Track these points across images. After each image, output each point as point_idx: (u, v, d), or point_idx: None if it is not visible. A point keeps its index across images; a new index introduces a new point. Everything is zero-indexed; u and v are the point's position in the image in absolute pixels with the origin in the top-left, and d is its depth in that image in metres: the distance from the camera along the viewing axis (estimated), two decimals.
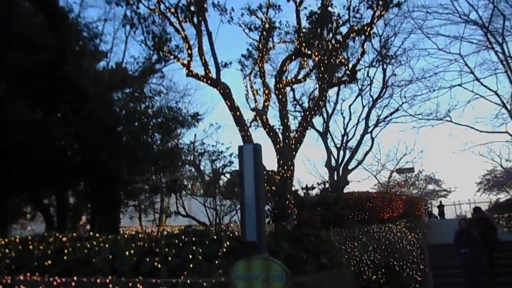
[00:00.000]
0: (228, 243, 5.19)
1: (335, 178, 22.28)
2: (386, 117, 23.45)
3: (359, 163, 22.97)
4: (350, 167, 22.56)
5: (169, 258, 5.08)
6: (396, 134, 74.89)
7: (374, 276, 10.94)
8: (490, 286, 9.78)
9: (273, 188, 7.27)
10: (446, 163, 68.34)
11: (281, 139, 8.27)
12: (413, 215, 17.81)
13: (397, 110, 23.04)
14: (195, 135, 21.83)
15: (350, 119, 23.73)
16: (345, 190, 19.41)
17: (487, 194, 40.06)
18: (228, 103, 9.59)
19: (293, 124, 13.25)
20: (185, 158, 16.49)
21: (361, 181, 33.62)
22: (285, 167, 7.21)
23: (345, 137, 23.32)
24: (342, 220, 6.39)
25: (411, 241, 12.61)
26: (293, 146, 7.33)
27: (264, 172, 7.66)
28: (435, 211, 34.24)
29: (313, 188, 9.09)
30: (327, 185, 14.31)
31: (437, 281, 10.47)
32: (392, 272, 10.76)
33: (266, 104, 11.18)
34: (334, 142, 23.23)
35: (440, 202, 33.81)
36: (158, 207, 21.42)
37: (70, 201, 14.67)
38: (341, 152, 22.95)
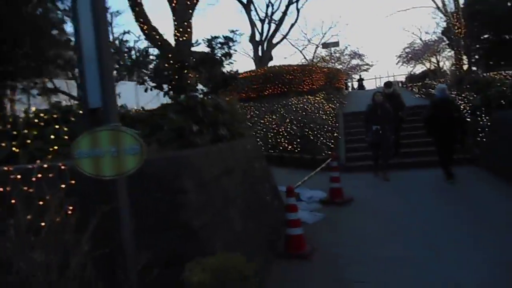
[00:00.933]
0: None
1: (260, 54, 21.46)
2: None
3: (284, 36, 22.13)
4: (274, 41, 21.70)
5: (28, 141, 4.19)
6: (323, 6, 73.16)
7: (290, 146, 11.02)
8: (392, 157, 9.10)
9: (170, 55, 6.23)
10: (370, 37, 69.67)
11: None
12: (333, 87, 17.94)
13: None
14: None
15: None
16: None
17: (406, 67, 42.04)
18: None
19: None
20: None
21: (288, 58, 33.22)
22: (181, 29, 6.11)
23: (271, 9, 21.89)
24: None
25: (327, 111, 12.71)
26: (188, 3, 6.13)
27: (156, 35, 6.50)
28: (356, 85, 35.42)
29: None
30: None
31: (350, 146, 10.79)
32: (306, 141, 10.86)
33: None
34: (258, 15, 21.71)
35: (360, 76, 34.89)
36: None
37: None
38: (266, 26, 21.74)
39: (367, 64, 43.13)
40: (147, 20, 6.45)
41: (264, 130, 12.24)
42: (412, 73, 36.95)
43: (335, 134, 11.18)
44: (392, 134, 8.49)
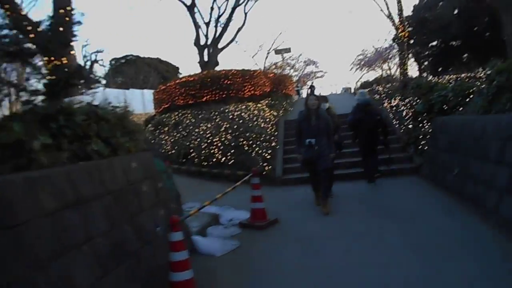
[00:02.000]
0: None
1: (206, 58, 20.37)
2: None
3: (231, 41, 21.11)
4: (221, 46, 20.68)
5: None
6: (274, 12, 73.42)
7: (224, 158, 9.95)
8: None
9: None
10: (324, 45, 70.82)
11: None
12: (281, 93, 17.14)
13: None
14: None
15: None
16: None
17: (360, 73, 42.60)
18: None
19: None
20: None
21: (239, 64, 32.39)
22: (58, 17, 4.92)
23: (217, 12, 20.86)
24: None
25: (268, 118, 11.78)
26: None
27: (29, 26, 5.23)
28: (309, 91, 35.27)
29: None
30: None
31: (288, 157, 9.86)
32: (240, 152, 9.84)
33: None
34: (202, 18, 20.61)
35: (312, 83, 34.75)
36: None
37: None
38: (213, 29, 20.70)
39: (322, 71, 43.41)
40: (15, 7, 5.19)
41: (198, 140, 11.12)
42: (365, 80, 37.26)
43: (274, 144, 10.25)
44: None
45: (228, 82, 13.19)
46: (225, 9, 20.63)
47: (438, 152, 7.33)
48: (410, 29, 30.24)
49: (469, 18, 24.11)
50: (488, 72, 7.19)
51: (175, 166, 11.13)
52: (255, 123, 11.06)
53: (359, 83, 34.13)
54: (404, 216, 5.59)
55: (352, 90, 29.73)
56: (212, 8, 20.29)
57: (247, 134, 10.22)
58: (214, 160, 10.12)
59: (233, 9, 20.17)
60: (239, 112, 11.64)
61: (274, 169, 9.14)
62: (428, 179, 7.56)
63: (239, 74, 13.61)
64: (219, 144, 10.34)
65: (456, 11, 25.75)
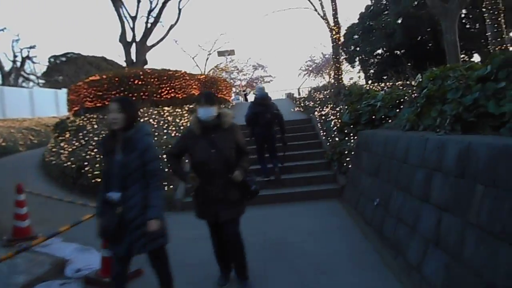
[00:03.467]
0: None
1: (134, 57, 18.40)
2: None
3: (162, 38, 19.26)
4: (150, 43, 18.79)
5: None
6: (215, 12, 71.66)
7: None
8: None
9: None
10: (272, 49, 70.38)
11: None
12: None
13: None
14: None
15: None
16: None
17: (308, 79, 42.29)
18: None
19: None
20: None
21: (179, 65, 30.44)
22: None
23: (146, 6, 18.95)
24: None
25: (182, 126, 10.16)
26: None
27: None
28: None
29: None
30: None
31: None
32: None
33: None
34: (127, 11, 18.58)
35: (245, 89, 33.62)
36: None
37: None
38: (143, 25, 18.75)
39: (270, 76, 42.49)
40: None
41: (95, 150, 9.27)
42: (314, 86, 36.78)
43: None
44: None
45: (139, 83, 11.41)
46: (156, 3, 18.80)
47: (361, 174, 6.07)
48: (356, 36, 30.04)
49: (412, 27, 24.00)
50: (420, 79, 6.06)
51: (70, 181, 9.25)
52: (164, 131, 9.39)
53: (302, 90, 33.49)
54: (308, 268, 4.18)
55: (296, 95, 28.77)
56: (139, 1, 18.35)
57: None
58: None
59: (164, 3, 18.37)
60: (147, 118, 9.92)
61: (175, 190, 7.54)
62: (349, 206, 6.28)
63: (155, 74, 11.85)
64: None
65: (400, 20, 25.58)
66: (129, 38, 17.90)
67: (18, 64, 37.51)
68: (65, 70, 42.42)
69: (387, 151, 4.97)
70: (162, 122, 9.92)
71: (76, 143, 10.31)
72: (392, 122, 6.37)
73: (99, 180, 8.46)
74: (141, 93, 11.25)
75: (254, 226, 5.85)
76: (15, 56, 37.56)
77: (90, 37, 64.00)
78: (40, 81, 41.34)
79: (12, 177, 11.11)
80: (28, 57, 38.09)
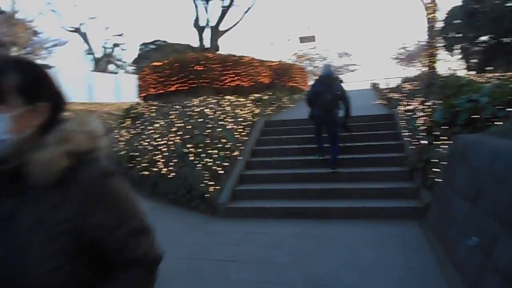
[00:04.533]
0: None
1: (208, 42, 17.87)
2: None
3: (236, 23, 18.43)
4: (222, 29, 18.08)
5: None
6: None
7: (165, 168, 7.44)
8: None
9: None
10: (359, 36, 66.12)
11: None
12: (285, 86, 14.39)
13: None
14: None
15: None
16: None
17: (399, 69, 39.12)
18: None
19: None
20: None
21: (255, 53, 29.63)
22: None
23: None
24: None
25: (243, 117, 9.09)
26: None
27: None
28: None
29: None
30: None
31: (248, 174, 7.23)
32: (184, 162, 7.31)
33: None
34: None
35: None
36: None
37: None
38: (215, 10, 18.10)
39: (355, 64, 39.95)
40: None
41: (148, 140, 8.67)
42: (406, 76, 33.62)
43: (236, 153, 7.60)
44: None
45: (200, 68, 10.58)
46: None
47: (453, 195, 4.42)
48: (457, 21, 26.35)
49: None
50: None
51: (122, 172, 8.80)
52: (219, 123, 8.43)
53: (390, 80, 30.52)
54: None
55: (383, 85, 26.18)
56: None
57: (199, 138, 7.64)
58: (155, 169, 7.63)
59: None
60: (203, 108, 9.05)
61: (220, 192, 6.52)
62: (433, 235, 4.67)
63: (218, 59, 10.95)
64: (164, 149, 7.83)
65: (510, 3, 21.78)
66: (203, 23, 17.40)
67: (108, 51, 39.83)
68: (152, 57, 44.27)
69: (495, 170, 3.33)
70: (218, 112, 8.98)
71: (133, 131, 9.87)
72: (503, 126, 4.59)
73: (146, 173, 7.83)
74: (202, 80, 10.45)
75: (298, 251, 4.59)
76: (105, 43, 39.93)
77: (175, 24, 66.28)
78: (130, 68, 43.63)
79: None
80: (117, 45, 40.27)
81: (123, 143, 9.90)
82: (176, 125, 8.37)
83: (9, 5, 19.94)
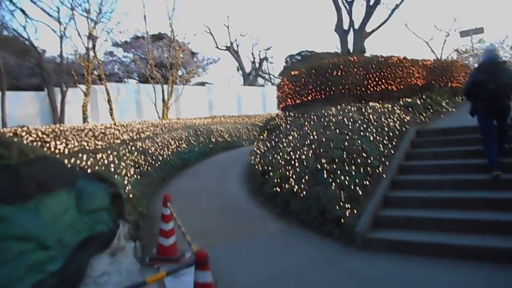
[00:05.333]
0: None
1: (351, 46, 16.72)
2: None
3: (383, 22, 16.72)
4: (368, 30, 16.62)
5: None
6: None
7: (296, 186, 6.74)
8: None
9: None
10: None
11: None
12: (444, 87, 12.25)
13: None
14: None
15: None
16: None
17: None
18: None
19: None
20: None
21: (407, 53, 26.57)
22: None
23: None
24: None
25: (386, 128, 7.71)
26: None
27: None
28: None
29: None
30: None
31: (395, 196, 5.91)
32: (318, 179, 6.44)
33: None
34: None
35: None
36: None
37: None
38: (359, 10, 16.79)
39: None
40: None
41: (281, 154, 8.08)
42: None
43: (379, 170, 6.36)
44: None
45: (339, 74, 9.49)
46: None
47: None
48: None
49: None
50: None
51: (257, 186, 8.49)
52: (362, 134, 7.28)
53: None
54: None
55: None
56: None
57: (335, 152, 6.64)
58: (287, 186, 6.95)
59: None
60: (340, 117, 7.99)
61: (359, 217, 5.40)
62: None
63: (359, 62, 9.69)
64: (296, 164, 7.09)
65: None
66: (345, 26, 16.30)
67: (257, 65, 41.72)
68: (298, 68, 44.79)
69: None
70: (360, 122, 7.81)
71: (268, 144, 9.46)
72: None
73: (279, 189, 7.23)
74: (341, 86, 9.39)
75: None
76: (254, 58, 41.94)
77: (320, 33, 65.91)
78: (277, 80, 45.03)
79: (217, 174, 11.36)
80: (265, 58, 41.89)
81: (258, 156, 9.59)
82: (310, 137, 7.56)
83: (169, 30, 22.37)
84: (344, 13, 16.51)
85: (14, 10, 17.34)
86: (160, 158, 11.15)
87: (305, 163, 6.94)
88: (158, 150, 11.33)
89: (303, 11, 66.91)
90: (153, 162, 10.36)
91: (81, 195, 4.09)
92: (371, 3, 16.05)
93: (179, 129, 14.96)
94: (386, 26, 17.50)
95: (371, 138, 7.19)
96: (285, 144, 8.27)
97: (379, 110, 8.66)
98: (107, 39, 22.78)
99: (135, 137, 10.88)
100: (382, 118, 8.15)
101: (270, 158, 8.44)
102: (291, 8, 63.87)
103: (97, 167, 6.26)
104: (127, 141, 9.86)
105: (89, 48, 18.53)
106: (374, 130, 7.51)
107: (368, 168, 6.36)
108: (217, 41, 35.66)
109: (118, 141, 9.47)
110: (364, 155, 6.62)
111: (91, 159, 6.69)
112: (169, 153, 12.07)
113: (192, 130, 15.63)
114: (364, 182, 6.09)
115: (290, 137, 8.32)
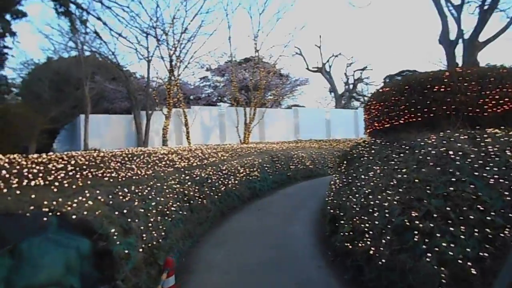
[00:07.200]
0: None
1: (460, 59, 13.86)
2: None
3: (503, 29, 13.49)
4: (482, 39, 13.56)
5: None
6: None
7: (373, 248, 4.79)
8: None
9: None
10: None
11: None
12: None
13: None
14: None
15: None
16: None
17: None
18: None
19: None
20: None
21: None
22: None
23: None
24: None
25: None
26: None
27: None
28: None
29: None
30: None
31: None
32: (402, 240, 4.40)
33: None
34: (450, 1, 14.05)
35: None
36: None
37: None
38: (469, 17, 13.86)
39: None
40: None
41: (356, 196, 6.08)
42: None
43: (505, 233, 4.08)
44: None
45: (442, 89, 7.09)
46: None
47: None
48: None
49: None
50: None
51: (326, 234, 6.68)
52: (474, 174, 4.99)
53: None
54: None
55: None
56: None
57: (433, 202, 4.49)
58: (361, 244, 4.98)
59: None
60: (444, 148, 5.71)
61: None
62: None
63: (470, 74, 7.18)
64: (375, 214, 5.07)
65: None
66: (452, 36, 13.50)
67: (350, 86, 39.22)
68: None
69: None
70: (473, 156, 5.48)
71: (344, 179, 7.50)
72: None
73: (350, 246, 5.30)
74: (445, 106, 7.02)
75: None
76: (347, 79, 39.48)
77: (422, 49, 60.34)
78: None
79: (286, 210, 9.65)
80: (360, 79, 39.23)
81: (332, 194, 7.70)
82: (397, 176, 5.46)
83: (254, 53, 21.59)
84: (451, 20, 13.75)
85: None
86: (223, 188, 9.85)
87: (387, 214, 4.89)
88: (222, 179, 10.05)
89: (403, 24, 62.46)
90: (211, 193, 9.08)
91: (19, 262, 2.79)
92: (486, 7, 13.08)
93: (251, 154, 13.64)
94: (504, 35, 14.20)
95: (491, 181, 4.86)
96: (363, 182, 6.25)
97: (502, 140, 6.14)
98: (196, 63, 22.85)
99: (195, 164, 9.74)
100: (508, 152, 5.67)
101: (344, 199, 6.50)
102: (389, 22, 60.16)
103: (111, 202, 5.04)
104: (182, 169, 8.72)
105: (172, 71, 18.51)
106: (495, 169, 5.12)
107: (487, 230, 4.12)
108: (308, 62, 34.29)
109: (171, 169, 8.37)
110: (480, 207, 4.38)
111: (110, 195, 5.50)
112: (236, 182, 10.73)
113: (267, 156, 14.18)
114: (480, 253, 3.89)
115: (371, 173, 6.27)
